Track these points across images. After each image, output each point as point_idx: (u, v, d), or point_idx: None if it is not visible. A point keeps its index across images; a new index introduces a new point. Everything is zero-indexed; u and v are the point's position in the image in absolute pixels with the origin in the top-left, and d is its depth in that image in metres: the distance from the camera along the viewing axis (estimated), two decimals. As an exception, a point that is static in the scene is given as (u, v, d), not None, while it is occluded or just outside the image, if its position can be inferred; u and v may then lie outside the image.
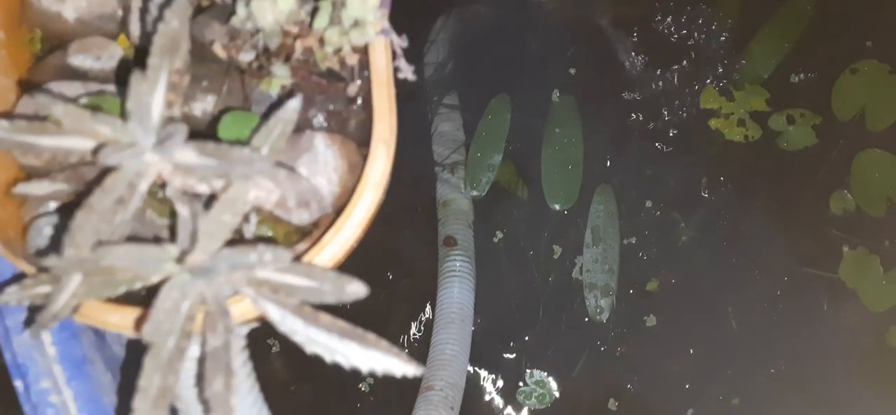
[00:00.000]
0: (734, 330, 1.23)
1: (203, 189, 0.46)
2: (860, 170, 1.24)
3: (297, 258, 0.45)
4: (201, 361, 0.41)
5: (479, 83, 1.37)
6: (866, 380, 1.18)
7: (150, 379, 0.40)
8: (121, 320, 0.47)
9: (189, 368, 0.50)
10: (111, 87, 0.53)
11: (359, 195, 0.50)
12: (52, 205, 0.52)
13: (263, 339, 1.19)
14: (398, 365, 0.47)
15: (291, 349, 1.21)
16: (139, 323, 0.43)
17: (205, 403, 0.39)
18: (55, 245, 0.46)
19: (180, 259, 0.39)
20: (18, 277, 0.47)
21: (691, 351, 1.22)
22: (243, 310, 0.47)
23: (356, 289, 0.42)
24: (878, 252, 1.21)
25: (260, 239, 0.48)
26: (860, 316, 1.19)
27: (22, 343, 0.53)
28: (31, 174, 0.53)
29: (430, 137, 1.37)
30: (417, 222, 1.32)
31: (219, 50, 0.55)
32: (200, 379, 0.40)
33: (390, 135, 0.52)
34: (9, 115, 0.45)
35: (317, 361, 1.31)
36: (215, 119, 0.54)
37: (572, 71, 1.35)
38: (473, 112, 1.35)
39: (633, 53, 1.34)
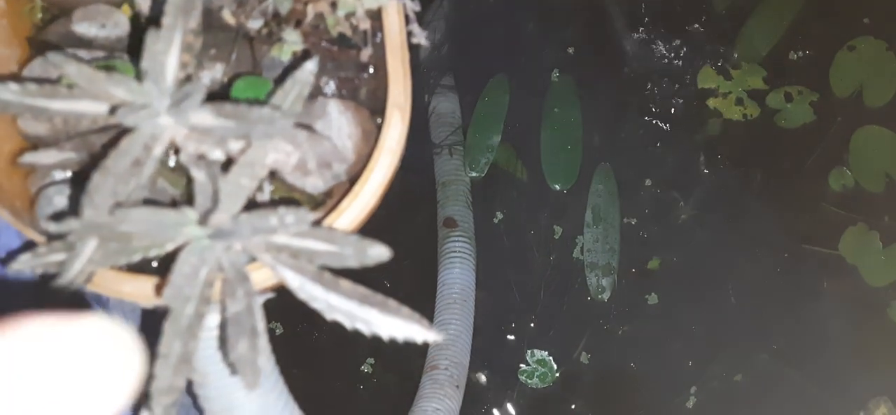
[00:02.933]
0: (735, 307, 1.23)
1: (217, 155, 0.45)
2: (859, 146, 1.25)
3: (317, 223, 0.44)
4: (222, 326, 0.40)
5: (477, 64, 1.37)
6: (867, 354, 1.18)
7: (170, 345, 0.39)
8: (134, 290, 0.46)
9: (205, 338, 0.49)
10: (118, 56, 0.52)
11: (375, 161, 0.49)
12: (59, 175, 0.51)
13: (267, 321, 1.18)
14: (419, 331, 0.46)
15: (294, 332, 1.20)
16: (159, 288, 0.42)
17: (231, 366, 0.38)
18: (68, 212, 0.45)
19: (203, 220, 0.38)
20: (25, 248, 0.46)
21: (693, 329, 1.23)
22: (260, 278, 0.46)
23: (379, 251, 0.42)
24: (877, 228, 1.21)
25: (281, 200, 0.47)
26: (860, 291, 1.20)
27: (31, 317, 0.52)
28: (36, 144, 0.52)
29: (428, 118, 1.36)
30: (416, 204, 1.32)
31: (227, 16, 0.54)
32: (223, 344, 0.39)
33: (405, 100, 0.51)
34: (17, 78, 0.44)
35: (319, 343, 1.30)
36: (224, 88, 0.53)
37: (571, 51, 1.34)
38: (472, 93, 1.35)
39: (631, 33, 1.34)
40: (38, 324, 0.22)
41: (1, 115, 0.51)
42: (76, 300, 0.53)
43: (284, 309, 1.14)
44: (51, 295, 0.52)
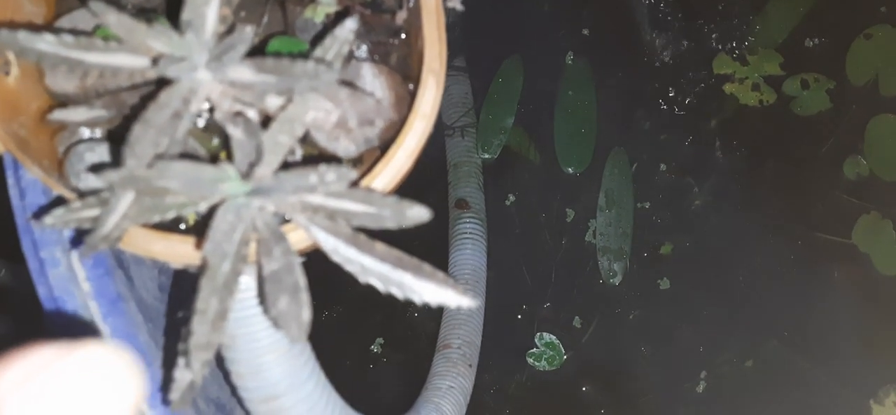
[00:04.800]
0: (747, 294, 1.23)
1: (252, 115, 0.44)
2: (874, 135, 1.24)
3: (353, 184, 0.44)
4: (260, 285, 0.40)
5: (491, 45, 1.36)
6: (878, 343, 1.18)
7: (207, 302, 0.39)
8: (165, 249, 0.46)
9: (235, 300, 0.49)
10: (149, 13, 0.51)
11: (410, 125, 0.48)
12: (86, 133, 0.50)
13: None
14: (453, 296, 0.45)
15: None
16: (198, 245, 0.42)
17: (273, 320, 0.37)
18: (103, 167, 0.44)
19: (247, 174, 0.38)
20: (53, 205, 0.46)
21: (704, 314, 1.22)
22: (294, 240, 0.46)
23: (418, 212, 0.41)
24: (890, 217, 1.21)
25: (320, 157, 0.46)
26: (872, 279, 1.20)
27: (57, 277, 0.51)
28: (64, 102, 0.51)
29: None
30: (428, 185, 1.31)
31: (259, -23, 0.53)
32: (263, 301, 0.39)
33: (440, 66, 0.50)
34: (52, 29, 0.43)
35: (329, 322, 1.29)
36: (255, 50, 0.52)
37: (586, 32, 1.34)
38: (485, 74, 1.34)
39: (647, 16, 1.33)
40: (40, 356, 0.24)
41: (29, 72, 0.51)
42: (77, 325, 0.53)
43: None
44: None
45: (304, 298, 0.38)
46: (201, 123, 0.50)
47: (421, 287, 0.45)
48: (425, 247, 1.26)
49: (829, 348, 1.19)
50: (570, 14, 1.35)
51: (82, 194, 0.45)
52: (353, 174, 0.39)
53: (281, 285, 0.39)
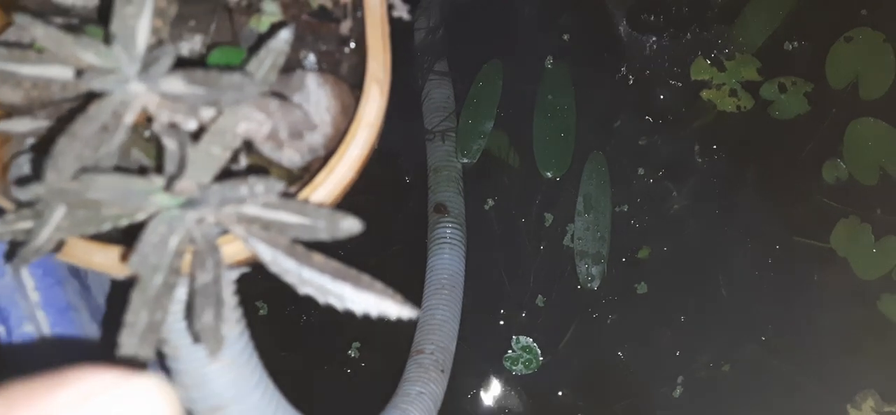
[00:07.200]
0: (725, 298, 1.23)
1: (191, 125, 0.44)
2: (853, 138, 1.24)
3: (290, 196, 0.44)
4: (190, 296, 0.40)
5: (471, 49, 1.36)
6: (856, 347, 1.18)
7: (137, 314, 0.39)
8: (105, 260, 0.46)
9: (177, 311, 0.49)
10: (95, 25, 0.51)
11: (352, 135, 0.48)
12: (34, 144, 0.51)
13: (251, 301, 1.18)
14: (393, 307, 0.45)
15: (280, 314, 1.20)
16: (125, 257, 0.42)
17: (195, 334, 0.37)
18: (36, 177, 0.44)
19: (168, 186, 0.38)
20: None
21: (682, 319, 1.22)
22: (233, 251, 0.46)
23: (350, 224, 0.41)
24: (869, 221, 1.21)
25: (250, 169, 0.46)
26: (851, 284, 1.20)
27: (3, 287, 0.51)
28: (10, 112, 0.51)
29: (421, 104, 1.36)
30: (408, 190, 1.31)
31: (207, -13, 0.53)
32: (190, 314, 0.39)
33: (384, 74, 0.50)
34: (-13, 42, 0.43)
35: (305, 326, 1.30)
36: (201, 59, 0.52)
37: (566, 37, 1.33)
38: (465, 79, 1.34)
39: (627, 21, 1.33)
40: (93, 382, 0.25)
41: (-25, 82, 0.51)
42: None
43: (270, 291, 1.14)
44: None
45: (226, 312, 0.38)
46: (148, 133, 0.50)
47: (360, 298, 0.45)
48: (405, 252, 1.26)
49: (807, 353, 1.19)
50: (551, 19, 1.35)
51: (21, 205, 0.46)
52: (280, 185, 0.39)
53: (208, 299, 0.39)
